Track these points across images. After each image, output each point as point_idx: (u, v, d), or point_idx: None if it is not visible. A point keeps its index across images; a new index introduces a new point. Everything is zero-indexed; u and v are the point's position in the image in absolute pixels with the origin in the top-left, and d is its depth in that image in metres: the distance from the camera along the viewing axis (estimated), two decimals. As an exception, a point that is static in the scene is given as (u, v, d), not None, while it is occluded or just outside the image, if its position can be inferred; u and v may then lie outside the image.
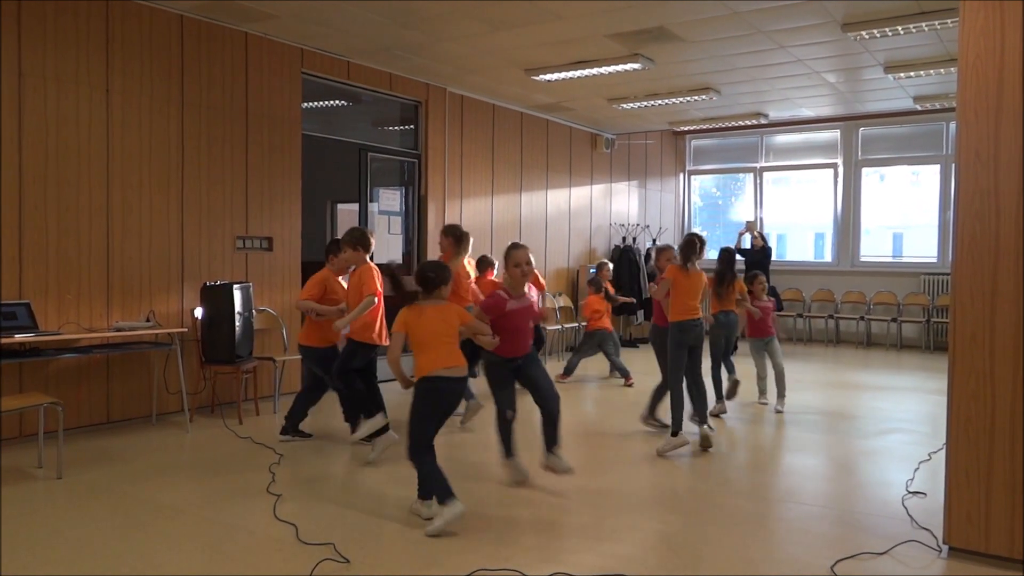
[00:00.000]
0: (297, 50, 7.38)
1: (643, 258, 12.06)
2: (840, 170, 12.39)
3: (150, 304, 6.28)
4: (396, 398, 6.19)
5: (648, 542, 3.79)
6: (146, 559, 3.50)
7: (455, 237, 6.11)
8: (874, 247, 12.44)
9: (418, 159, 8.92)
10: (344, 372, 5.25)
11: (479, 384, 6.98)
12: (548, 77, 8.39)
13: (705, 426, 5.48)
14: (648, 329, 12.17)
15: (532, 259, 4.61)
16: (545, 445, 4.58)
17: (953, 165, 3.69)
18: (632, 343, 11.69)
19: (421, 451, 4.00)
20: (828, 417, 6.80)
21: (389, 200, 8.88)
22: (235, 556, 3.55)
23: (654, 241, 12.79)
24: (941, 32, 6.92)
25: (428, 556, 3.57)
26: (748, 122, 11.34)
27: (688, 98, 9.47)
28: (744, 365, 7.42)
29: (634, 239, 12.29)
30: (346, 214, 10.42)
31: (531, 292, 4.63)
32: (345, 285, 5.57)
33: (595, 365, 9.67)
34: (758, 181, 13.18)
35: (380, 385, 5.53)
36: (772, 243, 13.34)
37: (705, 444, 5.45)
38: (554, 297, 10.64)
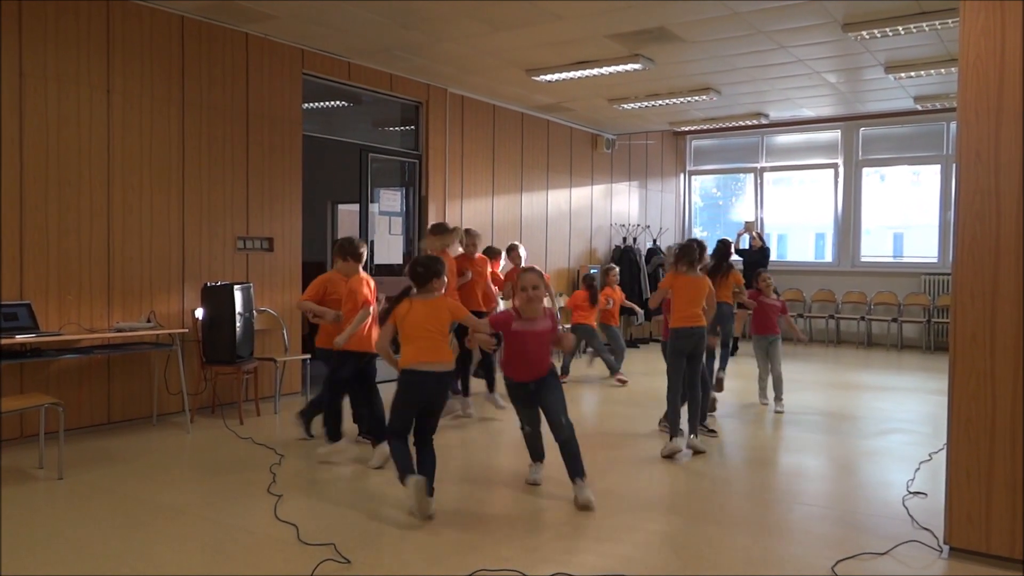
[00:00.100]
0: (298, 51, 7.39)
1: (643, 259, 12.07)
2: (841, 170, 12.39)
3: (151, 304, 6.28)
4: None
5: (649, 542, 3.79)
6: (147, 559, 3.50)
7: (432, 233, 6.34)
8: (875, 247, 12.44)
9: (419, 159, 8.92)
10: (334, 382, 5.20)
11: (479, 384, 6.99)
12: (548, 77, 8.39)
13: (693, 436, 5.46)
14: (649, 330, 12.23)
15: (540, 284, 4.33)
16: (568, 473, 4.35)
17: (954, 165, 3.69)
18: (632, 343, 11.69)
19: (394, 434, 4.22)
20: (829, 417, 6.79)
21: (390, 201, 8.88)
22: (236, 556, 3.55)
23: (654, 241, 12.80)
24: (942, 32, 6.92)
25: (429, 556, 3.57)
26: (749, 122, 11.34)
27: (688, 98, 9.47)
28: (744, 365, 7.42)
29: (635, 239, 12.29)
30: (347, 215, 10.44)
31: (546, 318, 4.39)
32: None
33: (597, 365, 9.66)
34: (759, 181, 13.18)
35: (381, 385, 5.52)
36: (773, 243, 13.35)
37: (696, 452, 5.43)
38: (555, 298, 10.63)
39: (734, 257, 9.74)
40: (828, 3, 6.22)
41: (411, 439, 4.28)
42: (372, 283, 5.32)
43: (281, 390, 7.06)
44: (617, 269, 9.28)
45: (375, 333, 5.14)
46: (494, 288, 7.00)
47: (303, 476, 4.86)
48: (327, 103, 8.33)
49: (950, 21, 6.45)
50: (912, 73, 8.29)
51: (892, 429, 6.34)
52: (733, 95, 9.61)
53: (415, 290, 4.31)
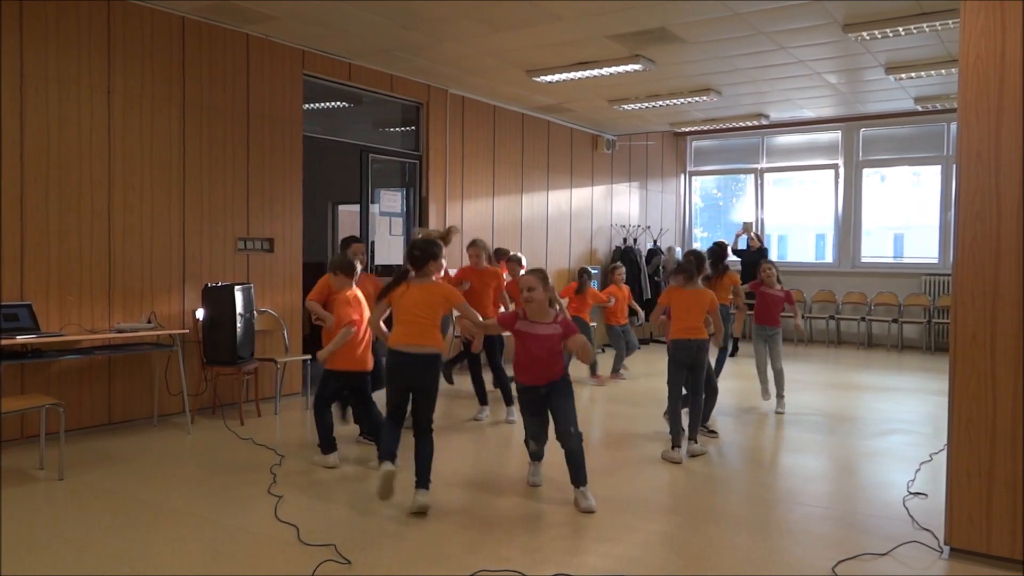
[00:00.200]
0: (298, 51, 7.39)
1: (644, 259, 12.07)
2: (841, 171, 12.39)
3: (151, 305, 6.28)
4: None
5: (649, 543, 3.79)
6: (147, 560, 3.50)
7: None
8: (875, 248, 12.44)
9: (419, 160, 8.92)
10: (319, 398, 5.16)
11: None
12: (549, 78, 8.39)
13: (693, 442, 5.44)
14: (649, 330, 12.23)
15: (536, 285, 4.23)
16: (570, 479, 4.34)
17: (954, 166, 3.69)
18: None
19: (388, 416, 4.36)
20: (829, 418, 6.79)
21: (390, 201, 8.88)
22: (236, 557, 3.55)
23: (655, 242, 12.80)
24: (942, 33, 6.92)
25: (429, 557, 3.57)
26: (749, 123, 11.34)
27: (689, 99, 9.47)
28: (745, 366, 7.41)
29: (635, 240, 12.29)
30: (347, 215, 10.45)
31: (556, 323, 4.29)
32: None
33: (598, 365, 9.67)
34: (759, 182, 13.18)
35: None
36: (773, 244, 13.36)
37: (695, 454, 5.42)
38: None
39: (731, 258, 9.75)
40: (829, 4, 6.22)
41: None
42: (356, 299, 5.13)
43: (282, 391, 7.06)
44: (623, 268, 9.20)
45: (367, 354, 5.12)
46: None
47: (303, 477, 4.85)
48: (328, 104, 8.34)
49: (950, 22, 6.45)
50: (912, 74, 8.29)
51: (892, 430, 6.33)
52: (733, 96, 9.61)
53: (413, 273, 4.37)
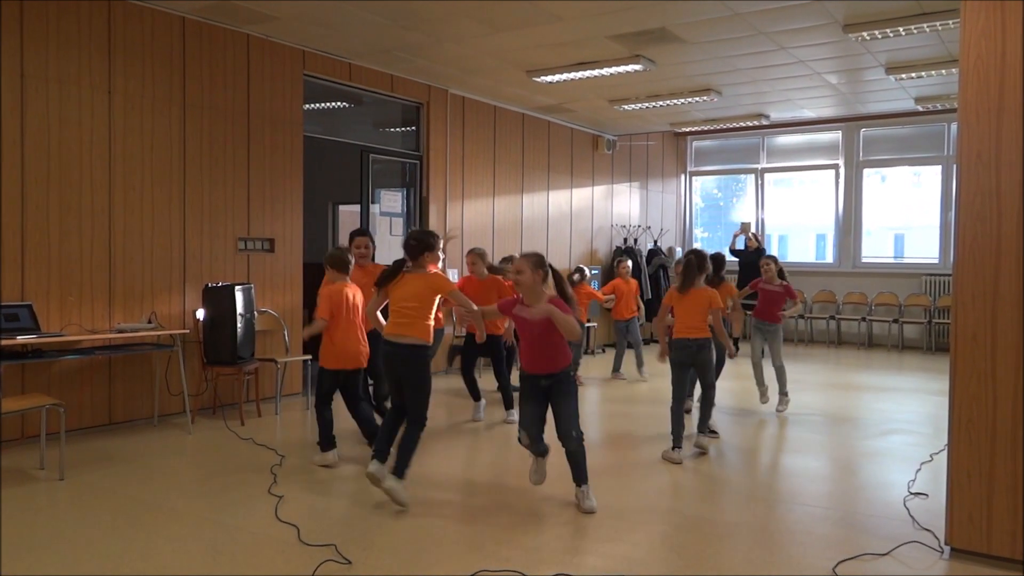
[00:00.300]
0: (299, 52, 7.39)
1: (644, 259, 12.07)
2: (841, 171, 12.39)
3: (152, 305, 6.28)
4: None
5: (649, 543, 3.79)
6: (148, 560, 3.50)
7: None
8: (875, 248, 12.44)
9: (419, 160, 8.92)
10: (317, 395, 5.19)
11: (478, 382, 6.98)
12: (549, 78, 8.39)
13: (701, 435, 5.46)
14: (649, 331, 12.22)
15: (524, 268, 4.16)
16: (572, 477, 4.32)
17: (954, 166, 3.69)
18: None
19: (389, 407, 4.46)
20: (829, 418, 6.79)
21: (390, 201, 8.88)
22: (236, 557, 3.55)
23: (655, 242, 12.80)
24: (942, 33, 6.92)
25: (429, 557, 3.57)
26: (749, 123, 11.34)
27: (689, 99, 9.48)
28: (745, 366, 7.40)
29: (635, 240, 12.29)
30: (347, 215, 10.45)
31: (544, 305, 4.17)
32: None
33: (599, 365, 9.68)
34: (759, 182, 13.18)
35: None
36: (774, 244, 13.36)
37: (700, 449, 5.44)
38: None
39: (729, 257, 9.73)
40: (829, 4, 6.22)
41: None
42: (334, 296, 5.08)
43: (282, 391, 7.06)
44: (629, 262, 9.12)
45: (357, 350, 5.12)
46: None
47: (304, 477, 4.86)
48: (328, 104, 8.34)
49: (951, 22, 6.45)
50: (913, 74, 8.29)
51: (893, 430, 6.33)
52: (734, 96, 9.61)
53: (409, 263, 4.41)
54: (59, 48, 5.70)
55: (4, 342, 4.99)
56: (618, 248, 12.03)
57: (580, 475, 4.26)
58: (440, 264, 4.85)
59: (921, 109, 10.53)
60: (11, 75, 5.46)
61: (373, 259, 5.86)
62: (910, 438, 6.04)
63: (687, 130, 12.48)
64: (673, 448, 5.25)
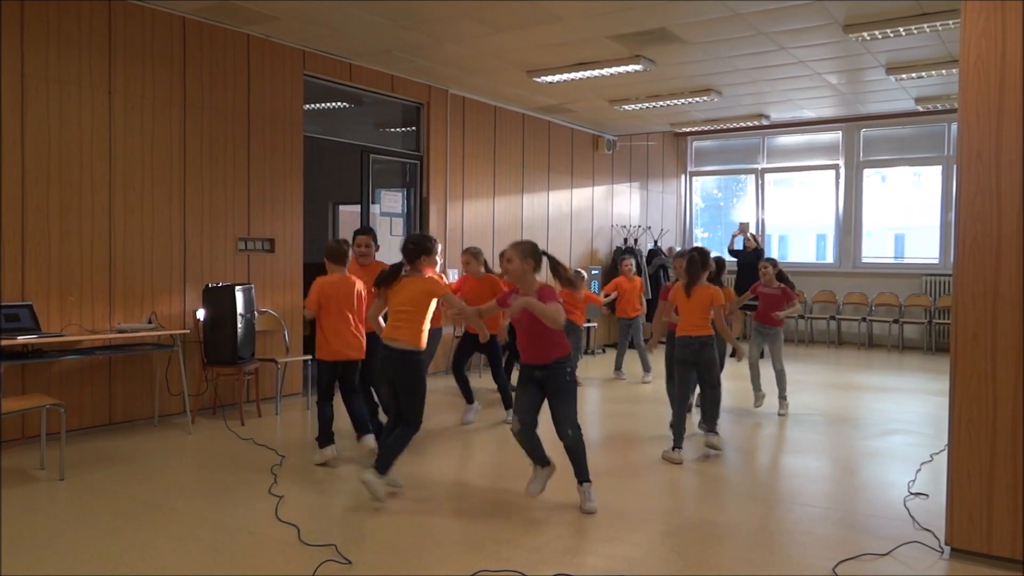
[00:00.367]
0: (299, 52, 7.39)
1: (644, 260, 12.07)
2: (842, 171, 12.39)
3: (152, 305, 6.28)
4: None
5: (650, 543, 3.79)
6: (148, 560, 3.50)
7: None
8: (876, 248, 12.44)
9: (420, 160, 8.92)
10: (317, 391, 5.25)
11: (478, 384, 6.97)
12: (549, 79, 8.39)
13: (714, 434, 5.41)
14: (650, 331, 12.22)
15: (512, 256, 4.15)
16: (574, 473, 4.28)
17: (955, 166, 3.69)
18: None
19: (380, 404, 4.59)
20: (830, 418, 6.79)
21: (391, 202, 8.88)
22: (237, 557, 3.55)
23: (656, 243, 12.80)
24: (943, 33, 6.92)
25: (430, 557, 3.57)
26: (750, 123, 11.34)
27: (689, 99, 9.47)
28: (745, 367, 7.39)
29: (635, 240, 12.29)
30: (348, 215, 10.45)
31: (538, 294, 4.08)
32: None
33: (599, 365, 9.68)
34: (760, 182, 13.18)
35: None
36: (774, 244, 13.36)
37: (713, 450, 5.39)
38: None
39: (728, 258, 9.73)
40: (829, 4, 6.22)
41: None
42: (323, 288, 5.11)
43: (282, 391, 7.06)
44: (631, 259, 9.07)
45: (351, 342, 5.13)
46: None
47: (304, 477, 4.86)
48: (328, 104, 8.34)
49: (951, 22, 6.45)
50: (913, 74, 8.29)
51: (893, 430, 6.33)
52: (734, 96, 9.61)
53: (407, 268, 4.44)
54: (59, 48, 5.70)
55: (4, 342, 4.99)
56: (618, 248, 12.03)
57: (580, 472, 4.24)
58: (439, 267, 4.85)
59: (921, 109, 10.53)
60: (11, 75, 5.46)
61: (369, 257, 5.82)
62: (910, 438, 6.04)
63: (687, 130, 12.48)
64: (673, 448, 5.25)
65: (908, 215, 12.33)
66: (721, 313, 5.42)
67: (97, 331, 5.82)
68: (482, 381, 7.03)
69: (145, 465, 5.09)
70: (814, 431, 6.30)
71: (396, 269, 4.44)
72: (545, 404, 4.23)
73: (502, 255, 4.77)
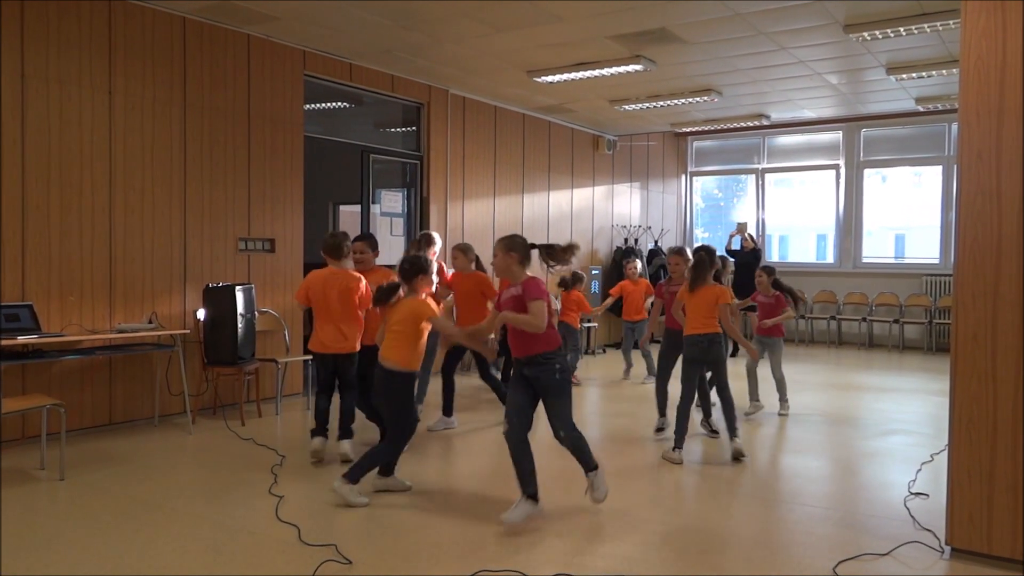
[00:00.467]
0: (299, 52, 7.40)
1: (645, 259, 12.07)
2: (842, 171, 12.39)
3: (152, 306, 6.29)
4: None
5: (650, 543, 3.79)
6: (148, 560, 3.50)
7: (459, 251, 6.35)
8: (876, 248, 12.44)
9: (420, 160, 8.92)
10: (316, 384, 5.37)
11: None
12: (550, 79, 8.39)
13: (737, 439, 5.30)
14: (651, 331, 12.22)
15: (497, 251, 4.08)
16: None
17: (955, 166, 3.69)
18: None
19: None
20: (830, 418, 6.79)
21: (391, 202, 8.89)
22: (237, 557, 3.55)
23: (656, 243, 12.80)
24: (943, 33, 6.92)
25: (430, 557, 3.57)
26: (750, 123, 11.34)
27: (690, 99, 9.48)
28: (744, 366, 7.38)
29: (636, 240, 12.29)
30: (348, 215, 10.45)
31: (516, 287, 3.98)
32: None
33: (599, 365, 9.68)
34: (760, 182, 13.17)
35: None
36: (774, 244, 13.36)
37: (737, 455, 5.26)
38: (555, 298, 10.64)
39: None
40: (829, 4, 6.22)
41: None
42: (312, 284, 5.19)
43: (282, 391, 7.06)
44: (636, 261, 8.99)
45: (344, 334, 5.15)
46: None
47: (305, 477, 4.86)
48: (328, 104, 8.34)
49: (951, 22, 6.45)
50: (913, 74, 8.29)
51: (893, 430, 6.33)
52: (734, 96, 9.61)
53: (404, 288, 4.46)
54: (60, 48, 5.70)
55: (5, 342, 4.99)
56: (619, 248, 12.03)
57: (586, 462, 4.13)
58: (436, 260, 4.84)
59: (922, 109, 10.53)
60: (11, 75, 5.47)
61: (367, 264, 5.79)
62: (911, 438, 6.04)
63: (688, 130, 12.48)
64: (674, 448, 5.24)
65: (908, 215, 12.33)
66: (728, 311, 5.38)
67: (97, 331, 5.83)
68: (477, 381, 6.99)
69: (145, 465, 5.09)
70: (814, 431, 6.30)
71: (393, 288, 4.43)
72: (540, 410, 4.11)
73: (454, 248, 5.00)
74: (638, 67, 7.81)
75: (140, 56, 6.18)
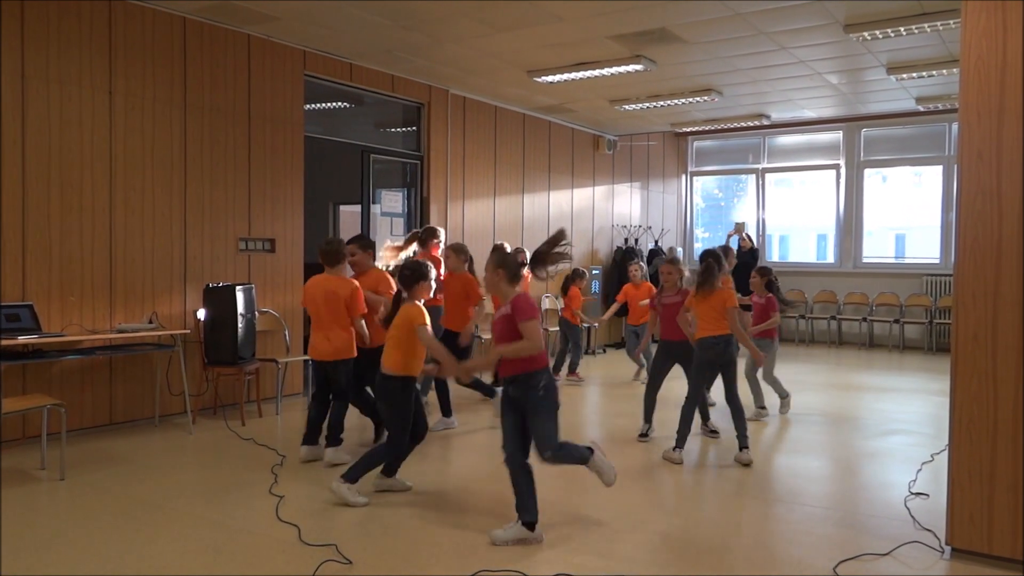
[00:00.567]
0: (299, 52, 7.40)
1: (645, 260, 12.06)
2: (842, 171, 12.39)
3: (152, 306, 6.29)
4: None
5: (650, 543, 3.79)
6: (148, 560, 3.50)
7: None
8: (876, 248, 12.44)
9: (420, 161, 8.92)
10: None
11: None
12: (550, 79, 8.39)
13: (746, 450, 5.25)
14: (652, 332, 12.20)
15: (488, 266, 3.98)
16: None
17: (955, 166, 3.69)
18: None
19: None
20: (830, 418, 6.79)
21: (391, 202, 8.89)
22: (237, 557, 3.55)
23: (656, 243, 12.79)
24: (943, 33, 6.92)
25: (430, 557, 3.57)
26: (750, 123, 11.34)
27: (690, 99, 9.47)
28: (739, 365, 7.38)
29: (636, 240, 12.29)
30: (348, 215, 10.46)
31: (505, 306, 3.84)
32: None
33: (599, 365, 9.68)
34: (760, 182, 13.17)
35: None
36: (774, 244, 13.36)
37: (744, 463, 5.21)
38: (555, 298, 10.63)
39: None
40: (829, 4, 6.22)
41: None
42: (310, 290, 5.19)
43: (283, 391, 7.06)
44: (639, 264, 8.91)
45: (332, 342, 5.13)
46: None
47: (305, 477, 4.86)
48: (329, 104, 8.34)
49: (952, 22, 6.45)
50: (914, 74, 8.29)
51: (894, 430, 6.33)
52: (734, 96, 9.61)
53: (405, 294, 4.44)
54: (60, 49, 5.70)
55: (5, 342, 5.00)
56: (619, 248, 12.02)
57: (580, 462, 3.95)
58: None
59: (922, 109, 10.53)
60: (12, 76, 5.47)
61: (362, 265, 5.75)
62: (911, 438, 6.04)
63: (688, 130, 12.47)
64: (675, 448, 5.24)
65: (909, 215, 12.32)
66: (735, 315, 5.37)
67: (98, 331, 5.83)
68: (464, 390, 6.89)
69: (146, 465, 5.09)
70: (814, 431, 6.30)
71: (397, 303, 4.42)
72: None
73: (447, 247, 5.07)
74: (638, 67, 7.81)
75: (140, 56, 6.18)
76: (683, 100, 9.52)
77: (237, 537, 3.81)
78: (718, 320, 5.31)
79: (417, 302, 4.41)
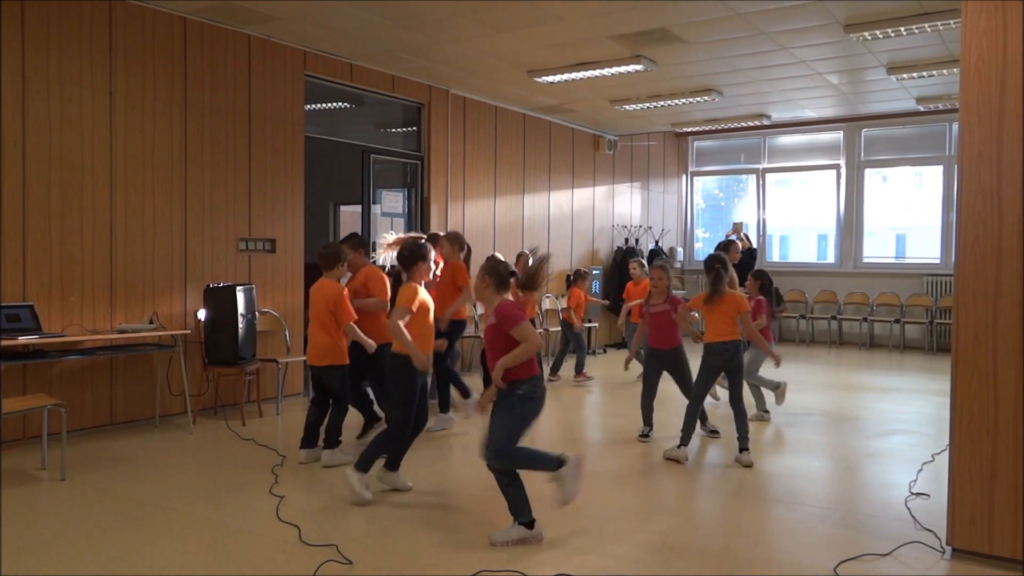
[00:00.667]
0: (300, 52, 7.40)
1: (646, 260, 12.06)
2: (843, 171, 12.39)
3: (153, 306, 6.29)
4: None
5: (650, 543, 3.79)
6: (148, 560, 3.50)
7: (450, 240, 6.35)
8: (877, 248, 12.44)
9: (420, 161, 8.93)
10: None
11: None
12: (550, 79, 8.39)
13: (747, 452, 5.24)
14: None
15: (479, 273, 3.90)
16: None
17: (956, 166, 3.69)
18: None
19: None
20: (831, 418, 6.78)
21: (391, 202, 8.89)
22: (238, 557, 3.55)
23: (656, 243, 12.79)
24: (944, 33, 6.92)
25: (431, 557, 3.57)
26: (750, 123, 11.34)
27: (690, 99, 9.47)
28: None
29: (636, 240, 12.29)
30: (349, 216, 10.46)
31: (492, 317, 3.78)
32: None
33: (599, 365, 9.68)
34: (761, 182, 13.17)
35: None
36: (775, 244, 13.35)
37: (744, 464, 5.20)
38: (556, 299, 10.63)
39: None
40: (830, 4, 6.22)
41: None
42: (326, 290, 5.13)
43: (283, 391, 7.07)
44: (640, 263, 8.88)
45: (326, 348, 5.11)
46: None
47: (305, 477, 4.86)
48: (329, 104, 8.35)
49: (952, 22, 6.45)
50: (914, 74, 8.29)
51: (894, 430, 6.33)
52: (735, 96, 9.60)
53: (405, 275, 4.46)
54: (60, 49, 5.71)
55: (5, 342, 4.99)
56: (619, 248, 12.02)
57: (511, 508, 3.76)
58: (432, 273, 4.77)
59: (922, 109, 10.53)
60: (12, 76, 5.47)
61: (354, 264, 5.74)
62: (911, 438, 6.04)
63: (688, 130, 12.47)
64: (679, 446, 5.24)
65: (909, 215, 12.32)
66: (748, 319, 5.39)
67: (98, 331, 5.83)
68: (476, 382, 6.99)
69: (146, 465, 5.09)
70: (814, 431, 6.30)
71: (396, 279, 4.44)
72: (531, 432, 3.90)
73: (443, 236, 5.01)
74: (638, 67, 7.81)
75: (140, 56, 6.18)
76: (683, 100, 9.52)
77: (237, 537, 3.80)
78: (729, 325, 5.31)
79: (415, 283, 4.38)
